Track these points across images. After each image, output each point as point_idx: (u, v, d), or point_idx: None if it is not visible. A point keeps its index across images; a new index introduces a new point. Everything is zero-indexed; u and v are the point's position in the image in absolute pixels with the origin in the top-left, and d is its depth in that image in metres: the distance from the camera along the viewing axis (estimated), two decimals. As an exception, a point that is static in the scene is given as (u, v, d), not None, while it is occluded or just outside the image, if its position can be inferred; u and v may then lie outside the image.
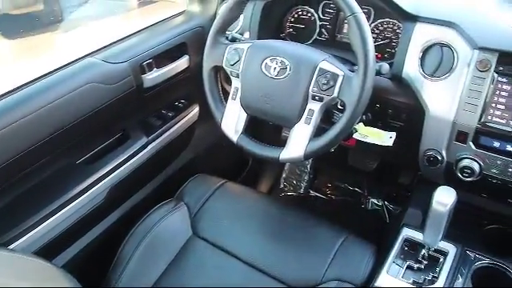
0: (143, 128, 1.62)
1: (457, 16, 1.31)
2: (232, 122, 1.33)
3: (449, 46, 1.29)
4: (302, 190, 2.28)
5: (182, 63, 1.65)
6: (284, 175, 2.31)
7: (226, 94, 1.38)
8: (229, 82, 1.37)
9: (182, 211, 1.49)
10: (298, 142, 1.23)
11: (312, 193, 2.29)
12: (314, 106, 1.21)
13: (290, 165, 2.32)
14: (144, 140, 1.59)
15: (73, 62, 1.37)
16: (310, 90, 1.20)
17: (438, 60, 1.29)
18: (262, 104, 1.27)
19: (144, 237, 1.39)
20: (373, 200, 2.20)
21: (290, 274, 1.33)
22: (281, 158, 1.26)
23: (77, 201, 1.39)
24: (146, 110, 1.66)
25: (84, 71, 1.35)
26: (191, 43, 1.65)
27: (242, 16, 1.50)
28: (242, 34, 1.54)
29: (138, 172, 1.60)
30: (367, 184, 2.23)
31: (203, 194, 1.54)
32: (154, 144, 1.64)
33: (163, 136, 1.68)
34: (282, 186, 2.31)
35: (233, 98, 1.33)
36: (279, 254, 1.39)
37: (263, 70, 1.25)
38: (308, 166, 2.29)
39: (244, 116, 1.32)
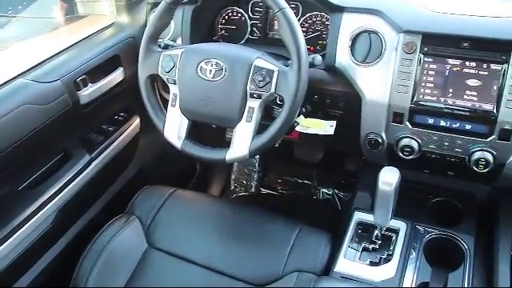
0: (85, 146, 1.58)
1: (381, 3, 1.37)
2: (174, 128, 1.33)
3: (376, 33, 1.34)
4: (253, 189, 2.30)
5: (117, 76, 1.62)
6: (233, 176, 2.32)
7: (165, 101, 1.37)
8: (167, 90, 1.36)
9: (135, 225, 1.47)
10: (242, 141, 1.24)
11: (263, 190, 2.32)
12: (254, 104, 1.23)
13: (238, 165, 2.33)
14: (87, 158, 1.56)
15: (2, 84, 1.32)
16: (247, 89, 1.22)
17: (368, 47, 1.34)
18: (202, 107, 1.27)
19: (99, 255, 1.36)
20: (323, 190, 2.25)
21: (249, 272, 1.34)
22: (227, 158, 1.27)
23: (23, 228, 1.34)
24: (86, 127, 1.62)
25: (16, 93, 1.30)
26: (124, 55, 1.63)
27: (172, 22, 1.49)
28: (174, 41, 1.54)
29: (85, 191, 1.56)
30: (316, 175, 2.28)
31: (154, 205, 1.52)
32: (97, 161, 1.60)
33: (106, 151, 1.65)
34: (232, 187, 2.32)
35: (172, 104, 1.32)
36: (236, 253, 1.39)
37: (199, 73, 1.25)
38: (256, 165, 2.31)
39: (185, 122, 1.32)
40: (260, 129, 1.25)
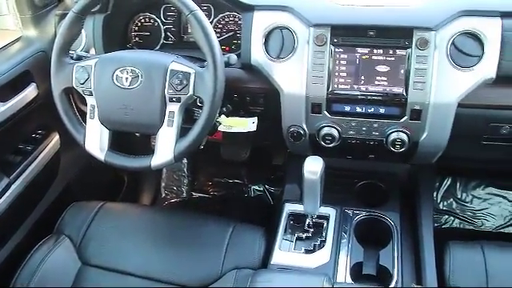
0: (2, 168, 1.51)
1: (289, 0, 1.40)
2: (95, 140, 1.30)
3: (287, 28, 1.38)
4: (184, 194, 2.29)
5: (30, 92, 1.56)
6: (163, 184, 2.30)
7: (83, 114, 1.34)
8: (84, 102, 1.33)
9: (65, 244, 1.42)
10: (166, 146, 1.24)
11: (195, 194, 2.31)
12: (173, 108, 1.23)
13: (167, 172, 2.31)
14: (5, 181, 1.49)
15: None
16: (165, 93, 1.22)
17: (280, 42, 1.38)
18: (122, 116, 1.25)
19: (30, 280, 1.31)
20: (254, 187, 2.28)
21: (188, 276, 1.34)
22: (152, 165, 1.26)
23: None
24: (1, 149, 1.55)
25: None
26: (35, 70, 1.57)
27: (83, 32, 1.46)
28: (87, 51, 1.50)
29: (7, 216, 1.49)
30: (245, 173, 2.30)
31: (83, 222, 1.48)
32: (18, 183, 1.53)
33: (26, 172, 1.58)
34: (163, 195, 2.30)
35: (91, 116, 1.29)
36: (173, 259, 1.39)
37: (115, 82, 1.23)
38: (185, 170, 2.30)
39: (106, 132, 1.29)
40: (183, 132, 1.26)
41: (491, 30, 1.28)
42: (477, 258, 1.33)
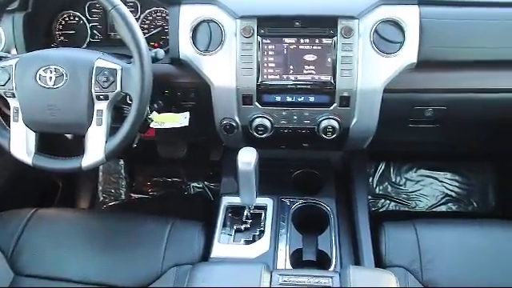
0: None
1: None
2: (21, 144, 1.25)
3: (214, 21, 1.37)
4: (123, 197, 2.25)
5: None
6: (100, 188, 2.25)
7: (7, 117, 1.28)
8: (6, 105, 1.28)
9: None
10: (96, 145, 1.22)
11: (134, 196, 2.27)
12: (101, 106, 1.20)
13: (104, 175, 2.26)
14: None
15: None
16: (92, 91, 1.19)
17: (208, 36, 1.37)
18: (48, 117, 1.21)
19: None
20: (193, 184, 2.27)
21: (127, 277, 1.32)
22: (83, 165, 1.23)
23: None
24: None
25: None
26: None
27: (2, 32, 1.40)
28: (8, 52, 1.44)
29: None
30: (184, 171, 2.29)
31: (14, 231, 1.42)
32: None
33: None
34: (101, 199, 2.25)
35: (14, 119, 1.24)
36: (112, 261, 1.36)
37: (39, 82, 1.19)
38: (122, 171, 2.26)
39: (32, 135, 1.25)
40: (115, 131, 1.23)
41: (410, 18, 1.34)
42: (410, 235, 1.39)
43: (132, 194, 2.27)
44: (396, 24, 1.34)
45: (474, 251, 1.35)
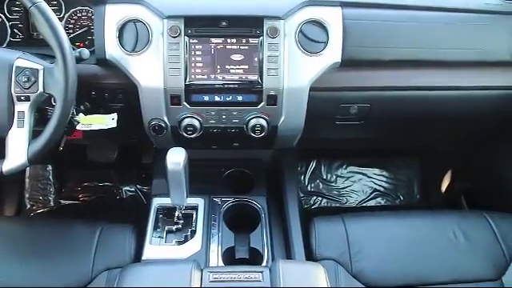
0: None
1: None
2: None
3: (141, 21, 1.36)
4: (51, 203, 2.17)
5: None
6: (27, 195, 2.16)
7: None
8: None
9: None
10: (17, 149, 1.17)
11: (63, 202, 2.20)
12: (23, 107, 1.17)
13: (31, 181, 2.17)
14: None
15: None
16: (12, 92, 1.15)
17: (135, 36, 1.36)
18: None
19: None
20: (125, 188, 2.23)
21: (55, 282, 1.28)
22: (4, 170, 1.18)
23: None
24: None
25: None
26: None
27: None
28: None
29: None
30: (115, 175, 2.24)
31: None
32: None
33: None
34: (28, 206, 2.16)
35: None
36: (39, 268, 1.32)
37: None
38: (50, 177, 2.18)
39: None
40: (38, 134, 1.19)
41: (333, 19, 1.38)
42: (339, 229, 1.44)
43: (61, 201, 2.20)
44: (320, 24, 1.38)
45: (396, 241, 1.43)
